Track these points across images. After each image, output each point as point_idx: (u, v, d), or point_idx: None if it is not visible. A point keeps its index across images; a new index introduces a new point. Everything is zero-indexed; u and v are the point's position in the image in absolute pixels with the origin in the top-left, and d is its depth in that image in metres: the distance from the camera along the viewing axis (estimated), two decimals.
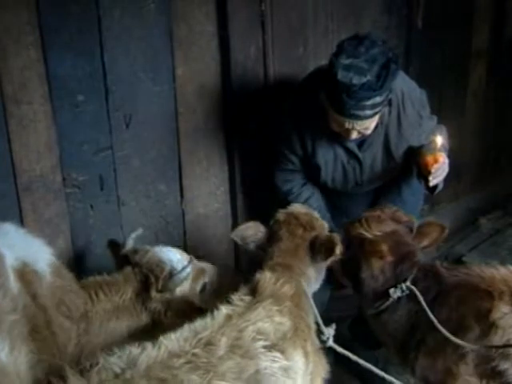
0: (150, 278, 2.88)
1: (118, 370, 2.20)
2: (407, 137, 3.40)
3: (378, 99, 3.02)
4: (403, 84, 3.37)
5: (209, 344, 2.35)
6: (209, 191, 3.79)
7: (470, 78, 4.86)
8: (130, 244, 3.12)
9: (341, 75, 2.98)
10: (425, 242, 2.93)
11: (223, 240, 3.96)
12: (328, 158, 3.42)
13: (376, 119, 3.18)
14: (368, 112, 3.04)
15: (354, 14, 4.02)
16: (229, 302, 2.58)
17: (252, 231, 2.99)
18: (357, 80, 2.96)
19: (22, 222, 3.15)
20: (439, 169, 3.16)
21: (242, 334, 2.42)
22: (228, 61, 3.58)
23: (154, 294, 2.88)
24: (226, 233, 3.96)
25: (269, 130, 3.68)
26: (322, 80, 3.16)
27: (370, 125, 3.17)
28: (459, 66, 4.77)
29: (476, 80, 4.90)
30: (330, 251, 2.82)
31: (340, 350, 2.82)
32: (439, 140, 3.18)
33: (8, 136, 3.02)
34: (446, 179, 3.38)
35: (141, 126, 3.42)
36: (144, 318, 2.93)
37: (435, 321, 2.73)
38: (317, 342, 2.77)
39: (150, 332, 2.82)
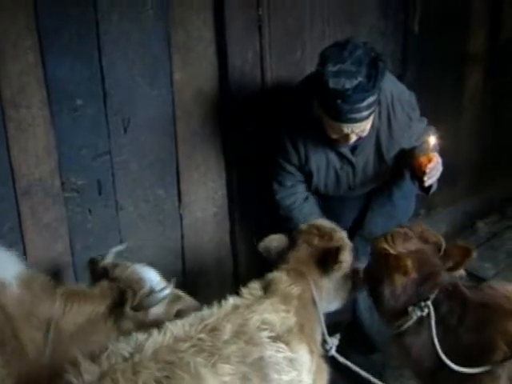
0: (127, 293, 2.80)
1: (126, 355, 2.29)
2: (398, 139, 3.40)
3: (371, 99, 3.03)
4: (392, 86, 3.38)
5: (214, 330, 2.44)
6: (206, 196, 3.80)
7: (466, 81, 4.87)
8: (109, 258, 3.05)
9: (332, 83, 2.98)
10: (449, 264, 2.81)
11: (221, 244, 3.97)
12: (321, 164, 3.42)
13: (371, 120, 3.19)
14: (364, 113, 3.05)
15: (351, 19, 4.03)
16: (238, 295, 2.66)
17: (276, 243, 3.02)
18: (349, 84, 2.97)
19: (20, 225, 3.17)
20: (433, 168, 3.16)
21: (247, 322, 2.50)
22: (225, 65, 3.60)
23: (128, 309, 2.79)
24: (223, 237, 3.97)
25: (266, 135, 3.67)
26: (313, 91, 3.17)
27: (366, 126, 3.17)
28: (456, 69, 4.78)
29: (473, 84, 4.91)
30: (335, 258, 2.84)
31: (342, 359, 2.86)
32: (432, 140, 3.18)
33: (7, 140, 3.04)
34: (443, 183, 3.39)
35: (139, 131, 3.44)
36: (113, 338, 2.73)
37: (438, 346, 2.67)
38: (320, 348, 2.81)
39: None
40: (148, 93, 3.41)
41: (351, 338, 3.75)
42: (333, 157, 3.40)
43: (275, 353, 2.50)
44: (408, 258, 2.75)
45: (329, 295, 2.93)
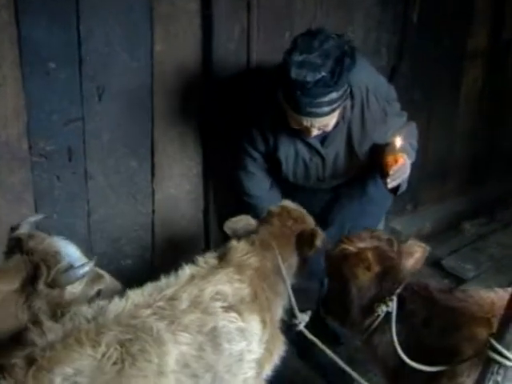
0: (41, 267, 2.52)
1: (89, 317, 2.33)
2: (371, 133, 3.30)
3: (334, 95, 2.94)
4: (368, 79, 3.27)
5: (172, 299, 2.48)
6: (181, 172, 3.72)
7: (463, 78, 4.76)
8: (25, 227, 2.78)
9: (294, 73, 2.90)
10: (409, 263, 2.79)
11: (193, 222, 3.91)
12: (289, 153, 3.35)
13: (336, 115, 3.10)
14: (325, 109, 2.97)
15: (345, 4, 3.92)
16: (194, 263, 2.69)
17: (242, 223, 3.00)
18: (311, 77, 2.89)
19: None
20: (398, 170, 3.08)
21: (202, 293, 2.54)
22: (210, 41, 3.51)
23: (41, 286, 2.52)
24: (196, 215, 3.92)
25: (244, 117, 3.57)
26: (278, 78, 3.08)
27: (329, 121, 3.09)
28: (454, 65, 4.68)
29: (470, 81, 4.81)
30: (311, 243, 2.86)
31: (310, 336, 2.82)
32: (398, 141, 3.10)
33: None
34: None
35: (114, 100, 3.36)
36: (25, 320, 2.50)
37: (395, 340, 2.61)
38: (278, 318, 2.84)
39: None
40: (126, 62, 3.33)
41: (315, 329, 3.70)
42: (301, 147, 3.33)
43: (228, 323, 2.54)
44: (367, 251, 2.73)
45: (295, 272, 2.96)
